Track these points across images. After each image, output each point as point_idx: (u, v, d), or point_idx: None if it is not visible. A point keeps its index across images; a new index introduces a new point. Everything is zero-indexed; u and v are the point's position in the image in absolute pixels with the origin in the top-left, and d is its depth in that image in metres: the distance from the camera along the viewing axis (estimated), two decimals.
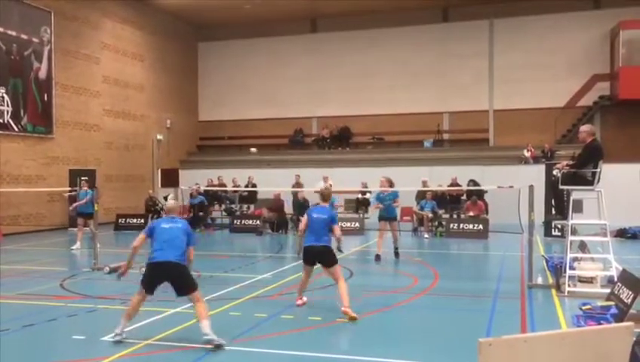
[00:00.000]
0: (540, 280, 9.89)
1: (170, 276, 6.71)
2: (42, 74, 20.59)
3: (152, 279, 6.75)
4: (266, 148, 27.99)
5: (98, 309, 8.40)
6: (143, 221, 21.13)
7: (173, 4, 26.03)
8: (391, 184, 13.80)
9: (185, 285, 6.71)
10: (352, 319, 7.55)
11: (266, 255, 14.96)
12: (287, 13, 27.03)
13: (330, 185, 13.84)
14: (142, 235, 7.00)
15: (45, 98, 20.67)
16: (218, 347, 6.40)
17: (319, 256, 8.16)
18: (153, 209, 22.66)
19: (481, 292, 9.89)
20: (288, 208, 20.34)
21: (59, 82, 21.15)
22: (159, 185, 25.66)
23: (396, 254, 13.44)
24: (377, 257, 13.08)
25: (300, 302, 8.41)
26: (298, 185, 20.40)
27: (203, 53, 30.12)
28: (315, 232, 8.20)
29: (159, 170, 26.20)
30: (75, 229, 16.54)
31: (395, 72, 27.00)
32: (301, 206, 18.76)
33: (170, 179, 24.79)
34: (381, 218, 13.61)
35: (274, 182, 21.70)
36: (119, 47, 24.44)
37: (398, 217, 14.86)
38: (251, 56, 28.91)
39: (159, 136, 26.35)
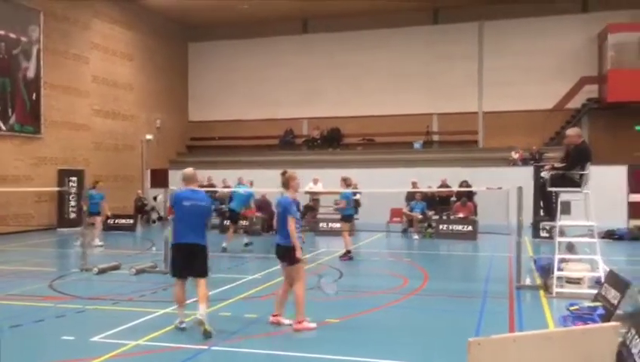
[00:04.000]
0: (528, 281, 9.97)
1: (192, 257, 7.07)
2: (30, 73, 20.45)
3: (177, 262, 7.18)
4: (256, 148, 27.96)
5: (87, 310, 8.37)
6: (132, 221, 21.09)
7: (163, 5, 25.95)
8: (347, 184, 13.96)
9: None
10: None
11: (256, 255, 14.95)
12: (278, 13, 27.03)
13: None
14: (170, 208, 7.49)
15: (34, 97, 20.53)
16: (206, 333, 6.69)
17: (282, 253, 7.38)
18: (143, 209, 22.63)
19: (470, 292, 9.96)
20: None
21: (47, 82, 21.01)
22: (149, 186, 25.56)
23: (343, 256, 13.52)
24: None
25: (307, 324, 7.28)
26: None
27: (193, 53, 30.05)
28: (279, 228, 7.42)
29: (149, 171, 26.10)
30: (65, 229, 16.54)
31: (386, 74, 27.08)
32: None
33: (160, 179, 24.68)
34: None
35: (264, 182, 21.63)
36: (109, 47, 24.33)
37: (355, 217, 15.19)
38: (242, 57, 28.88)
39: (148, 137, 26.25)
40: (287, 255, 7.30)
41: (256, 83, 28.72)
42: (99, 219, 16.43)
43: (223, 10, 26.55)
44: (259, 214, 19.85)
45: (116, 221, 20.97)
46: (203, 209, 7.26)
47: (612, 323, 2.78)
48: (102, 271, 11.45)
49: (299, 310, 7.22)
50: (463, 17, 26.01)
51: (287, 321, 7.37)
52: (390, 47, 27.06)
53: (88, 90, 23.16)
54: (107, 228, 20.64)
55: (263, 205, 20.22)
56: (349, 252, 13.60)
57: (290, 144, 28.38)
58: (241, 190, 16.12)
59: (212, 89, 29.35)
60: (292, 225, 7.16)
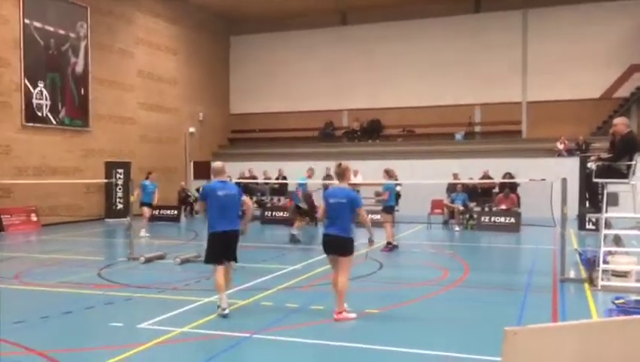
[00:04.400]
0: (572, 274, 9.79)
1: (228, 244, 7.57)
2: (79, 68, 21.07)
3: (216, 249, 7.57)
4: (296, 140, 28.12)
5: (134, 298, 8.64)
6: (176, 212, 21.56)
7: None
8: (390, 175, 13.88)
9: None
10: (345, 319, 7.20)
11: (297, 246, 15.09)
12: (317, 5, 27.05)
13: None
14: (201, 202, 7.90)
15: (82, 92, 21.15)
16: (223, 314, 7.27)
17: (335, 246, 7.37)
18: (186, 200, 23.08)
19: (513, 285, 9.85)
20: (319, 200, 20.42)
21: (95, 76, 21.62)
22: (192, 178, 26.05)
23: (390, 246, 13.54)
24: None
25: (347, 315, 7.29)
26: (329, 177, 20.47)
27: (235, 46, 30.38)
28: (334, 218, 7.36)
29: (192, 163, 26.58)
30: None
31: (426, 64, 26.81)
32: None
33: (203, 171, 25.11)
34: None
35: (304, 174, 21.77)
36: (153, 41, 24.83)
37: (396, 208, 15.07)
38: (282, 49, 29.04)
39: (192, 129, 26.74)
40: (342, 246, 7.28)
41: (296, 75, 28.85)
42: (147, 211, 16.82)
43: (264, 3, 26.73)
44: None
45: (160, 212, 21.49)
46: (235, 198, 7.65)
47: None
48: (148, 261, 11.79)
49: (340, 300, 7.28)
50: (505, 5, 25.50)
51: (352, 314, 7.33)
52: (431, 37, 26.75)
53: (133, 83, 23.71)
54: (152, 218, 21.21)
55: (306, 197, 20.33)
56: (390, 243, 13.60)
57: (330, 136, 28.43)
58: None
59: (253, 82, 29.63)
60: (364, 215, 7.47)
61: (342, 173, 7.61)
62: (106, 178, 20.72)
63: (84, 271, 10.91)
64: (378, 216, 16.70)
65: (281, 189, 22.29)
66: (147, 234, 16.32)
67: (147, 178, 17.06)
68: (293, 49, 28.87)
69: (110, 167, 21.29)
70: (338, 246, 7.35)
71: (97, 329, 7.15)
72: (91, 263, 11.89)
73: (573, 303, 8.40)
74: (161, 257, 12.15)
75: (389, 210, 14.02)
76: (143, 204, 16.66)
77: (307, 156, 25.21)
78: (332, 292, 7.64)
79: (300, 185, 15.83)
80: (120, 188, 21.49)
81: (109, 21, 22.39)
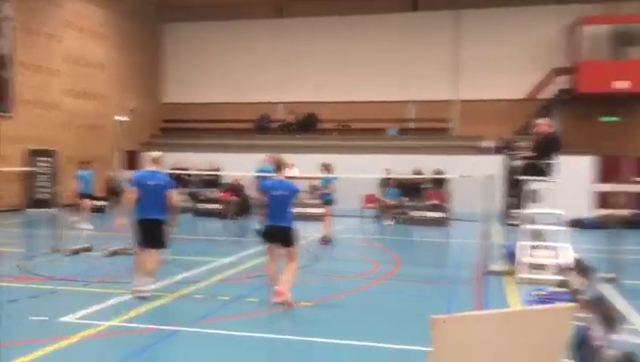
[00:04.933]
0: (495, 267, 10.22)
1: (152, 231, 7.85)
2: (2, 51, 20.00)
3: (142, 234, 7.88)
4: (231, 132, 27.82)
5: (59, 291, 8.34)
6: (104, 203, 20.89)
7: None
8: (329, 170, 14.08)
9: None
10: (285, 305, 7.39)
11: (230, 238, 14.99)
12: None
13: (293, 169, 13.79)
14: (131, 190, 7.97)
15: (3, 75, 20.09)
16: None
17: (279, 235, 7.65)
18: (115, 190, 22.35)
19: (441, 278, 10.19)
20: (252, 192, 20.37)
21: (19, 60, 20.57)
22: (121, 167, 25.28)
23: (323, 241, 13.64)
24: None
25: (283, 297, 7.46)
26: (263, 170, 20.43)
27: (168, 34, 29.65)
28: (276, 211, 7.63)
29: (121, 152, 25.79)
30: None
31: (363, 60, 27.12)
32: None
33: (132, 161, 24.45)
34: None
35: (239, 166, 21.64)
36: (82, 26, 23.88)
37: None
38: (218, 39, 28.61)
39: (121, 118, 25.84)
40: (288, 236, 7.65)
41: (233, 66, 28.51)
42: (87, 202, 16.11)
43: None
44: (233, 198, 19.89)
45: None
46: (163, 188, 7.93)
47: (568, 304, 2.94)
48: (74, 253, 11.39)
49: (287, 285, 7.51)
50: (441, 5, 26.13)
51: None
52: (368, 33, 27.07)
53: (60, 69, 22.73)
54: (93, 209, 20.49)
55: (237, 188, 20.28)
56: (326, 237, 13.74)
57: (265, 128, 28.30)
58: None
59: (187, 71, 29.05)
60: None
61: (280, 165, 7.99)
62: (28, 166, 19.80)
63: (4, 263, 10.41)
64: (314, 210, 16.87)
65: (213, 181, 22.03)
66: (90, 227, 15.42)
67: (83, 168, 16.35)
68: (229, 39, 28.50)
69: (33, 155, 20.37)
70: (284, 237, 7.66)
71: (21, 323, 6.86)
72: (12, 255, 11.36)
73: (495, 294, 8.78)
74: (87, 249, 11.76)
75: (329, 203, 14.15)
76: (82, 196, 15.94)
77: (242, 148, 25.02)
78: (267, 284, 7.69)
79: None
80: (45, 177, 20.58)
81: (36, 3, 21.35)
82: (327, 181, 14.01)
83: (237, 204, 19.77)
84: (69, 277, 9.26)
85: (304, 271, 8.41)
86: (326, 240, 13.65)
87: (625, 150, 22.23)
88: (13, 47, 20.32)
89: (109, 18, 25.46)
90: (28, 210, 20.18)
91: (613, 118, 24.09)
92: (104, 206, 20.76)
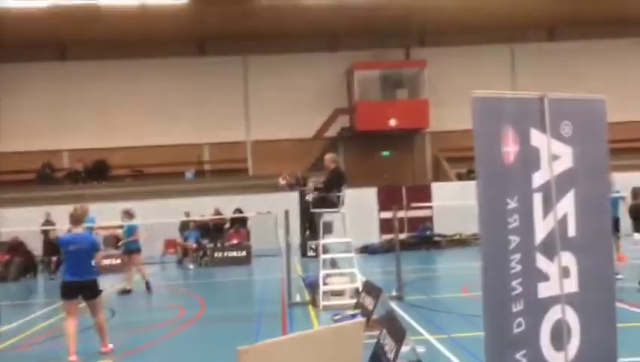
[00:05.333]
0: (298, 298, 10.69)
1: None
2: None
3: None
4: (10, 184, 25.21)
5: None
6: None
7: None
8: (130, 216, 13.69)
9: None
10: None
11: (12, 302, 13.49)
12: (32, 38, 24.87)
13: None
14: None
15: None
16: None
17: (83, 289, 7.51)
18: None
19: (246, 316, 10.33)
20: (37, 249, 18.64)
21: None
22: None
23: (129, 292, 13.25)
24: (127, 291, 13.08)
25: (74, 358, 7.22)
26: (49, 223, 18.84)
27: None
28: (77, 264, 7.45)
29: None
30: None
31: (152, 104, 26.68)
32: (53, 246, 17.39)
33: None
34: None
35: (21, 222, 19.68)
36: None
37: (158, 250, 14.80)
38: None
39: None
40: (92, 288, 7.58)
41: (7, 112, 26.03)
42: None
43: None
44: (14, 258, 17.95)
45: None
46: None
47: (357, 320, 3.29)
48: None
49: (106, 336, 7.68)
50: (228, 50, 26.88)
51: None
52: (155, 76, 26.74)
53: None
54: None
55: (17, 246, 18.36)
56: (129, 289, 13.11)
57: (49, 178, 26.14)
58: None
59: None
60: (101, 258, 8.09)
61: (80, 218, 7.88)
62: None
63: None
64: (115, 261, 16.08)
65: None
66: None
67: None
68: (6, 83, 26.03)
69: None
70: (88, 289, 7.57)
71: None
72: None
73: (300, 325, 9.18)
74: None
75: (137, 251, 13.46)
76: None
77: (24, 201, 22.82)
78: (59, 346, 7.12)
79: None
80: None
81: None
82: (131, 228, 13.39)
83: (19, 263, 17.87)
84: None
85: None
86: (127, 291, 13.01)
87: (401, 180, 24.89)
88: None
89: None
90: None
91: (385, 153, 26.90)
92: None
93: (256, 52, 26.98)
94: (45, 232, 18.43)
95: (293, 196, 21.73)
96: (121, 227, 14.04)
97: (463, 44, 26.59)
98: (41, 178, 26.01)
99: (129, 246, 13.45)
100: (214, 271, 17.52)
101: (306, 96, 27.20)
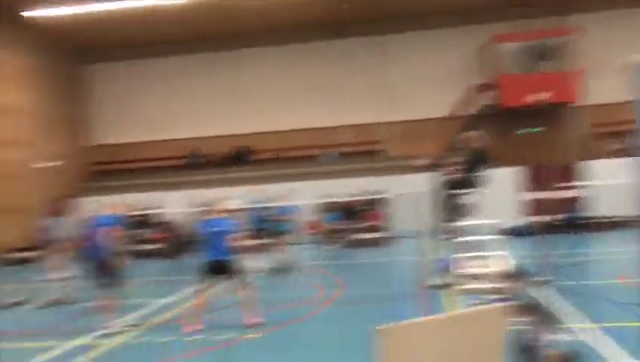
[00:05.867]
0: (435, 281, 10.45)
1: None
2: None
3: None
4: (163, 170, 27.38)
5: None
6: (35, 253, 19.95)
7: (56, 26, 24.91)
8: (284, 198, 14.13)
9: None
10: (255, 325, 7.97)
11: (168, 278, 14.65)
12: (178, 32, 26.69)
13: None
14: None
15: None
16: None
17: (223, 269, 8.07)
18: (45, 240, 21.41)
19: (384, 297, 10.31)
20: (188, 230, 20.05)
21: None
22: (47, 215, 24.28)
23: (286, 269, 13.53)
24: (274, 271, 13.35)
25: (197, 326, 8.00)
26: (197, 206, 20.17)
27: (94, 75, 29.01)
28: (216, 246, 8.08)
29: (47, 199, 24.81)
30: None
31: (293, 88, 27.43)
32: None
33: (59, 208, 23.53)
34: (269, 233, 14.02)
35: (173, 205, 21.35)
36: (2, 73, 23.05)
37: (293, 231, 15.12)
38: (141, 78, 28.21)
39: (45, 164, 24.99)
40: (230, 268, 8.07)
41: (159, 103, 28.16)
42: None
43: (120, 31, 25.90)
44: (168, 237, 19.55)
45: (18, 254, 19.91)
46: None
47: (500, 305, 3.10)
48: (7, 307, 10.84)
49: (251, 310, 8.12)
50: (363, 32, 26.87)
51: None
52: (294, 61, 27.44)
53: None
54: (6, 262, 19.54)
55: (171, 227, 19.95)
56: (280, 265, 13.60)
57: (197, 164, 28.02)
58: None
59: (116, 111, 28.45)
60: (240, 240, 8.41)
61: (217, 211, 8.60)
62: None
63: None
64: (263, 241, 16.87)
65: (147, 221, 21.54)
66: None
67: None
68: (152, 77, 28.19)
69: None
70: (226, 269, 8.11)
71: None
72: None
73: (437, 307, 8.97)
74: (20, 303, 11.21)
75: (286, 233, 13.99)
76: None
77: (175, 186, 24.67)
78: (212, 321, 7.58)
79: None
80: None
81: None
82: (285, 210, 13.87)
83: (173, 242, 19.39)
84: (2, 331, 8.79)
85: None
86: (280, 269, 13.46)
87: (548, 158, 23.38)
88: None
89: (31, 63, 24.71)
90: None
91: (536, 129, 25.32)
92: (34, 256, 19.86)
93: (390, 32, 26.69)
94: (195, 215, 19.75)
95: (431, 177, 21.37)
96: (267, 208, 14.50)
97: (618, 6, 24.30)
98: (190, 164, 27.95)
99: (280, 227, 13.83)
100: (352, 252, 17.73)
101: (442, 73, 26.44)
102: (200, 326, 7.97)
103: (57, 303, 10.89)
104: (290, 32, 27.03)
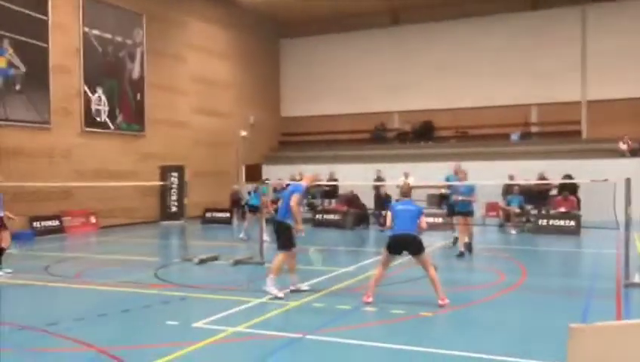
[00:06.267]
0: (637, 279, 9.34)
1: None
2: (135, 74, 21.66)
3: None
4: (348, 143, 28.08)
5: (189, 297, 8.76)
6: (228, 215, 21.82)
7: (255, 2, 26.62)
8: (464, 175, 13.38)
9: None
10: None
11: (348, 249, 15.01)
12: (367, 6, 26.91)
13: (409, 182, 13.14)
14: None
15: (138, 97, 21.73)
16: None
17: (407, 244, 8.09)
18: (238, 203, 23.33)
19: (573, 289, 9.48)
20: (369, 203, 20.34)
21: (150, 82, 22.16)
22: (244, 180, 26.35)
23: (469, 249, 12.91)
24: (460, 254, 12.75)
25: (369, 299, 8.05)
26: (379, 180, 20.35)
27: (285, 49, 30.61)
28: (403, 223, 8.15)
29: (243, 166, 26.90)
30: None
31: (480, 63, 26.29)
32: (382, 201, 18.77)
33: (254, 174, 25.39)
34: (457, 213, 13.16)
35: (356, 177, 21.79)
36: (205, 47, 25.28)
37: (478, 213, 14.16)
38: (332, 51, 29.08)
39: (243, 133, 27.04)
40: (415, 245, 8.06)
41: (347, 77, 28.81)
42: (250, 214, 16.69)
43: (313, 6, 26.84)
44: (349, 209, 20.00)
45: (213, 214, 21.85)
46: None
47: None
48: (202, 262, 11.95)
49: (439, 289, 7.95)
50: (563, 1, 24.74)
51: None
52: (485, 35, 26.22)
53: (187, 88, 24.20)
54: (205, 221, 21.58)
55: (353, 199, 20.36)
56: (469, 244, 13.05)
57: (381, 138, 28.24)
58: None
59: (303, 85, 29.78)
60: (425, 223, 8.30)
61: (405, 193, 8.80)
62: (161, 181, 21.19)
63: (140, 272, 11.15)
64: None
65: (331, 192, 22.25)
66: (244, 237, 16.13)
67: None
68: (342, 51, 28.87)
69: (165, 171, 21.76)
70: (410, 245, 8.11)
71: (154, 328, 7.27)
72: (148, 264, 12.15)
73: (638, 309, 8.01)
74: (214, 258, 12.30)
75: (470, 213, 13.09)
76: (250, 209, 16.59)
77: (359, 159, 25.16)
78: (386, 294, 7.57)
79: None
80: (174, 191, 21.91)
81: (163, 27, 22.94)
82: (470, 189, 13.07)
83: (354, 214, 19.82)
84: (198, 284, 9.70)
85: (426, 280, 8.18)
86: (462, 251, 12.86)
87: None
88: (145, 70, 21.93)
89: (230, 37, 26.77)
90: (162, 221, 21.53)
91: None
92: (229, 217, 21.68)
93: (595, 1, 24.19)
94: (377, 188, 19.95)
95: (635, 163, 19.15)
96: (449, 187, 14.04)
97: None
98: (374, 138, 28.26)
99: (464, 207, 13.05)
100: (537, 238, 16.61)
101: None
102: (371, 299, 7.99)
103: (247, 262, 11.71)
104: (481, 3, 25.79)
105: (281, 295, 8.42)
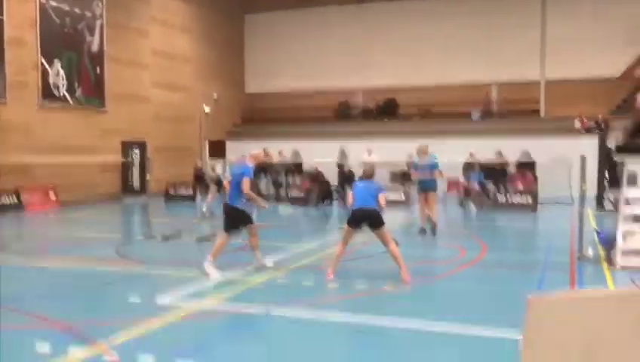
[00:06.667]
0: (590, 253, 9.72)
1: None
2: (94, 47, 21.11)
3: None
4: (312, 120, 28.05)
5: (152, 274, 8.73)
6: (192, 191, 21.65)
7: None
8: (426, 153, 13.18)
9: None
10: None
11: (311, 226, 15.13)
12: None
13: (372, 163, 12.94)
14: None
15: (97, 71, 21.21)
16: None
17: (367, 217, 8.10)
18: (201, 179, 23.12)
19: (529, 263, 9.81)
20: (333, 180, 20.47)
21: (110, 55, 21.64)
22: (207, 157, 26.10)
23: (433, 230, 12.59)
24: (421, 230, 12.86)
25: (331, 275, 8.12)
26: (343, 156, 20.47)
27: (249, 24, 30.23)
28: (363, 198, 8.21)
29: (206, 142, 26.62)
30: None
31: (444, 43, 26.50)
32: (346, 178, 18.91)
33: (218, 150, 25.15)
34: (419, 190, 13.04)
35: (319, 154, 21.82)
36: (167, 20, 24.77)
37: (439, 190, 13.93)
38: (297, 27, 28.86)
39: (206, 108, 26.71)
40: (375, 218, 8.05)
41: (312, 54, 28.68)
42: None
43: None
44: (313, 185, 20.08)
45: (176, 191, 21.67)
46: (236, 177, 8.85)
47: None
48: (165, 239, 11.89)
49: (402, 264, 7.99)
50: None
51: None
52: (448, 15, 26.40)
53: (148, 62, 23.72)
54: (168, 197, 21.38)
55: (317, 176, 20.45)
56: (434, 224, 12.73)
57: (345, 115, 28.31)
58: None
59: (268, 61, 29.52)
60: (384, 200, 8.30)
61: (368, 175, 8.63)
62: (122, 157, 20.85)
63: (103, 249, 11.03)
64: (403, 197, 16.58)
65: (295, 169, 22.28)
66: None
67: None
68: (308, 27, 28.68)
69: (126, 146, 21.41)
70: (373, 219, 8.10)
71: (118, 304, 7.24)
72: (110, 241, 12.02)
73: (591, 281, 8.36)
74: (178, 235, 12.24)
75: (433, 189, 12.89)
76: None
77: (323, 135, 25.18)
78: (348, 269, 7.68)
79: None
80: (136, 168, 21.59)
81: (124, 1, 22.34)
82: (433, 166, 12.92)
83: (318, 191, 19.93)
84: (161, 261, 9.67)
85: (388, 256, 8.34)
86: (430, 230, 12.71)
87: None
88: (104, 44, 21.39)
89: (193, 12, 26.27)
90: (124, 198, 21.23)
91: None
92: (192, 194, 21.53)
93: None
94: (340, 165, 20.07)
95: (589, 141, 19.73)
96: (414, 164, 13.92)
97: None
98: (339, 115, 28.31)
99: (428, 185, 12.82)
100: (496, 215, 17.05)
101: (612, 30, 23.97)
102: (332, 276, 8.08)
103: (208, 239, 11.69)
104: None
105: (270, 264, 8.90)
